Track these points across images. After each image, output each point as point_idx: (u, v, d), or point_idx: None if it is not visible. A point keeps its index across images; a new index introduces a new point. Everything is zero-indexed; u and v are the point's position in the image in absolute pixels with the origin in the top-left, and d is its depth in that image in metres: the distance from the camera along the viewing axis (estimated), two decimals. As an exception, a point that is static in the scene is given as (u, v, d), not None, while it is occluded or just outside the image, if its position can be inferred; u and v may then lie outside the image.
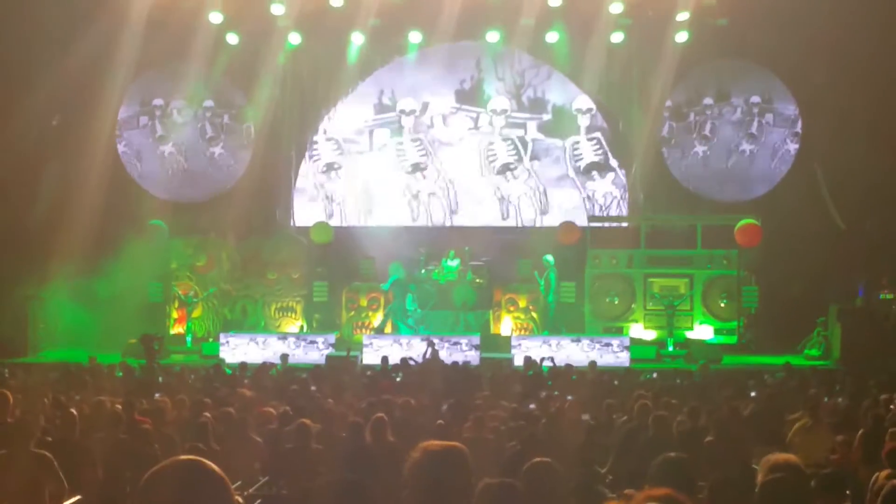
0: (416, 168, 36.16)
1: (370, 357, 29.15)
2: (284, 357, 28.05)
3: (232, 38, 34.11)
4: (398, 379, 23.78)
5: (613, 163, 35.77)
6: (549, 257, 32.48)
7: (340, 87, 35.77)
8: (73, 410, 14.53)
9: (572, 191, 35.81)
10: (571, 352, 29.29)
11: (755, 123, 34.89)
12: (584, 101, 35.62)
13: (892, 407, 17.04)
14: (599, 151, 35.81)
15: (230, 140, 36.36)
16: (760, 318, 32.40)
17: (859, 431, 14.90)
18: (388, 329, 32.52)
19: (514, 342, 30.66)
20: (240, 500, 3.65)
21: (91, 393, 19.26)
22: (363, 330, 32.45)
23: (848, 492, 10.78)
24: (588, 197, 35.69)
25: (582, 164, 35.84)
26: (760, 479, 7.09)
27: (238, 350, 30.27)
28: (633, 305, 32.67)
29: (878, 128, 31.13)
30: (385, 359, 27.03)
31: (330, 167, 36.46)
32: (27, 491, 9.99)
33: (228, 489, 3.66)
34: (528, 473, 7.51)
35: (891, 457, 12.08)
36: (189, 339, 32.93)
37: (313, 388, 20.88)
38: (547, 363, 26.49)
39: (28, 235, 32.00)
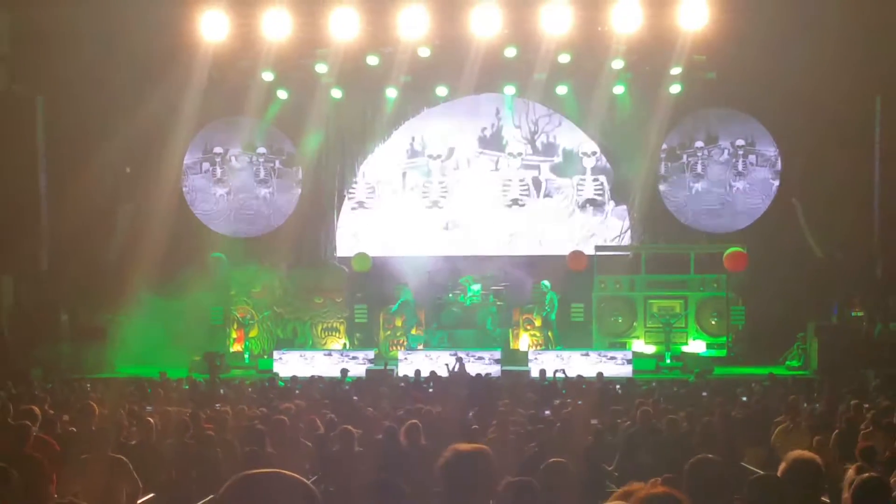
0: (438, 206, 36.15)
1: (405, 370, 29.12)
2: (344, 371, 28.00)
3: (282, 94, 34.21)
4: (430, 389, 23.74)
5: (611, 201, 35.71)
6: (546, 282, 32.52)
7: (377, 135, 35.82)
8: (150, 419, 14.57)
9: (580, 223, 35.74)
10: (581, 364, 29.21)
11: (741, 163, 34.82)
12: (589, 146, 35.63)
13: (865, 406, 16.97)
14: (600, 190, 35.78)
15: (281, 182, 36.43)
16: (747, 333, 32.32)
17: (834, 432, 14.85)
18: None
19: (530, 356, 30.65)
20: None
21: (161, 404, 19.29)
22: (398, 346, 32.46)
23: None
24: (594, 232, 35.61)
25: (582, 199, 35.81)
26: (782, 469, 7.07)
27: (289, 365, 30.24)
28: (634, 323, 32.66)
29: (847, 167, 31.04)
30: (418, 371, 27.00)
31: (361, 205, 36.47)
32: (106, 490, 10.01)
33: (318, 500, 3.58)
34: (545, 471, 7.49)
35: (864, 454, 12.03)
36: (247, 356, 32.99)
37: (355, 397, 20.88)
38: (560, 374, 26.47)
39: (106, 267, 32.15)
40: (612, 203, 35.82)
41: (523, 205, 36.04)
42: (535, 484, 6.66)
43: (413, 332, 33.07)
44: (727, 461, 11.86)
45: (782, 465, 7.31)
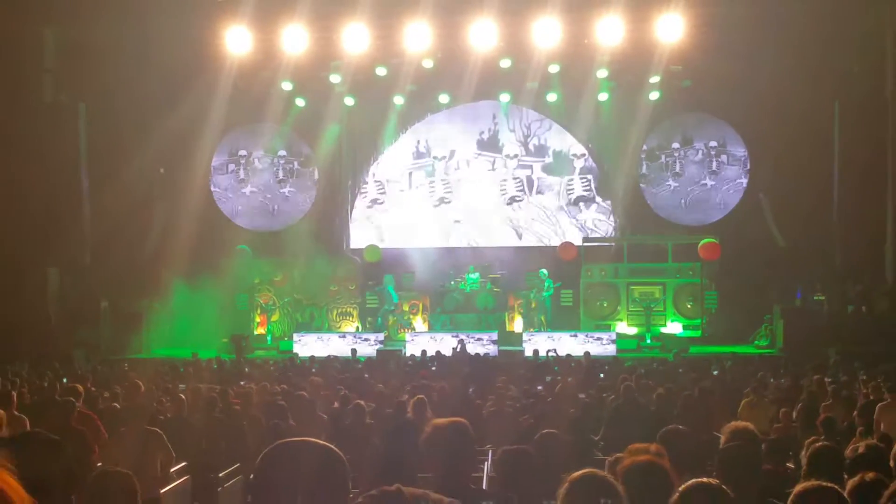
0: (445, 202, 36.16)
1: (412, 350, 29.14)
2: (354, 351, 28.15)
3: (300, 101, 34.16)
4: (433, 368, 23.74)
5: (598, 197, 35.71)
6: (544, 270, 32.53)
7: (385, 138, 35.81)
8: (182, 396, 14.56)
9: (568, 218, 35.76)
10: (570, 344, 29.22)
11: (713, 163, 34.82)
12: (577, 148, 35.62)
13: (827, 381, 16.97)
14: (588, 187, 35.79)
15: (299, 182, 36.43)
16: (719, 316, 32.31)
17: (798, 405, 14.84)
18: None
19: (525, 337, 30.65)
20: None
21: (192, 382, 19.30)
22: (406, 329, 32.47)
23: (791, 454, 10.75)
24: (582, 225, 35.62)
25: (573, 196, 35.81)
26: (722, 443, 7.05)
27: (308, 346, 30.25)
28: (618, 307, 32.66)
29: (808, 165, 31.07)
30: (424, 352, 27.04)
31: (375, 202, 36.49)
32: (142, 459, 10.00)
33: (346, 467, 3.58)
34: (538, 441, 7.48)
35: (825, 424, 12.03)
36: (269, 338, 33.00)
37: (367, 375, 20.88)
38: (552, 354, 26.49)
39: (142, 259, 32.17)
40: (598, 199, 35.79)
41: (519, 201, 36.03)
42: (530, 451, 6.65)
43: (391, 319, 33.18)
44: (703, 431, 11.86)
45: (723, 438, 7.30)
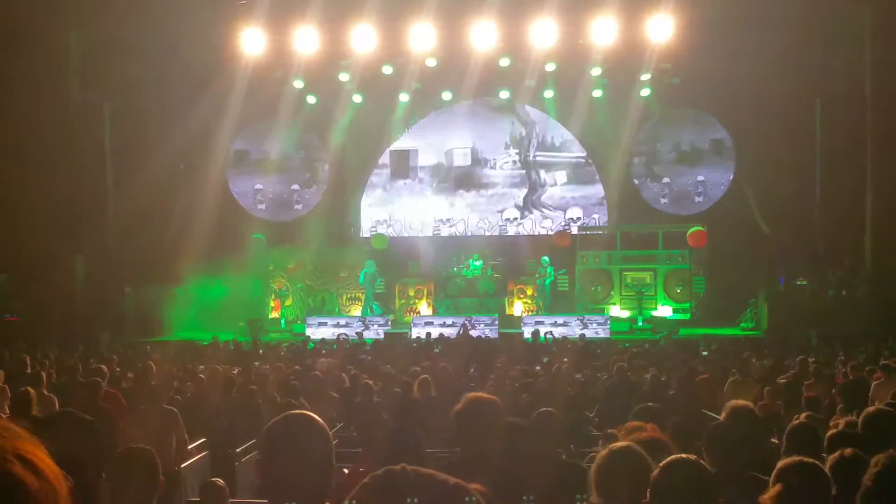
0: (451, 192, 36.18)
1: (417, 332, 29.18)
2: (360, 333, 28.29)
3: (311, 99, 34.16)
4: (436, 350, 23.77)
5: (594, 188, 35.70)
6: (546, 258, 32.55)
7: (392, 133, 35.84)
8: (202, 375, 14.57)
9: (566, 206, 35.75)
10: (566, 327, 29.27)
11: (701, 155, 34.81)
12: (573, 142, 35.61)
13: (810, 361, 17.00)
14: (583, 178, 35.78)
15: (310, 175, 36.45)
16: (707, 300, 32.41)
17: (782, 384, 14.85)
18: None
19: (524, 321, 30.70)
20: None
21: (211, 363, 19.32)
22: (412, 313, 32.51)
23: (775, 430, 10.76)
24: (575, 216, 35.63)
25: (570, 187, 35.81)
26: (722, 418, 7.06)
27: (319, 330, 30.35)
28: (611, 292, 32.73)
29: (792, 158, 31.05)
30: (428, 334, 27.06)
31: (381, 192, 36.48)
32: (159, 438, 10.02)
33: (328, 433, 3.69)
34: (536, 418, 7.48)
35: (808, 402, 12.04)
36: (283, 321, 33.06)
37: (370, 357, 20.91)
38: (549, 336, 26.53)
39: (164, 247, 32.18)
40: (592, 189, 35.76)
41: (518, 191, 36.00)
42: (522, 423, 6.66)
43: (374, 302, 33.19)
44: (692, 409, 11.87)
45: (723, 413, 7.31)
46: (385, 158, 36.40)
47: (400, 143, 36.25)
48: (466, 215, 36.14)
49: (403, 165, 36.40)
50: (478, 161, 36.11)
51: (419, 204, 36.24)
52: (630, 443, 4.72)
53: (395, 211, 36.32)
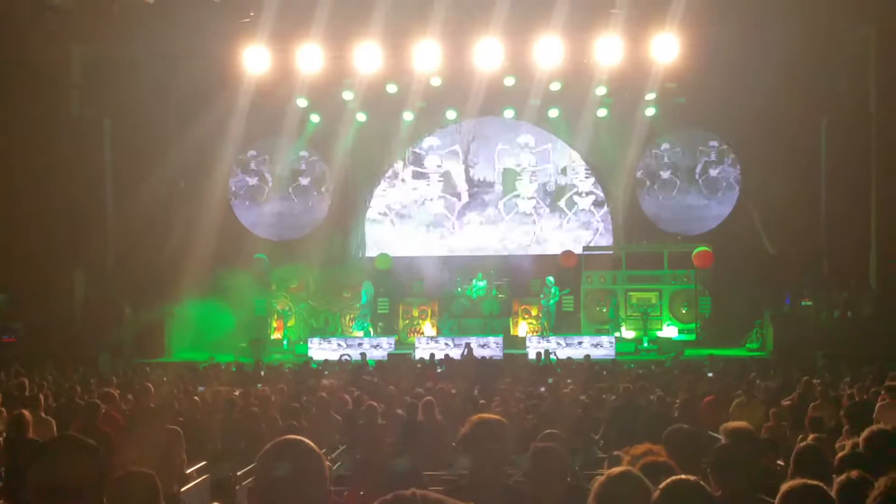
0: (456, 213, 36.19)
1: (420, 353, 29.15)
2: (363, 355, 28.27)
3: (314, 117, 34.20)
4: (440, 370, 23.76)
5: (600, 208, 35.72)
6: (551, 278, 32.53)
7: (395, 153, 35.86)
8: (197, 398, 14.55)
9: (571, 227, 35.77)
10: (571, 348, 29.25)
11: (707, 176, 34.83)
12: (578, 161, 35.64)
13: (815, 383, 16.95)
14: (589, 199, 35.79)
15: (314, 194, 36.42)
16: (713, 320, 32.32)
17: (787, 405, 14.83)
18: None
19: (528, 341, 30.67)
20: (329, 464, 3.68)
21: (212, 384, 19.30)
22: (416, 333, 32.43)
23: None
24: (580, 235, 35.66)
25: (576, 208, 35.82)
26: (722, 441, 7.04)
27: (322, 350, 30.31)
28: (617, 312, 32.66)
29: (797, 178, 31.08)
30: (432, 355, 27.05)
31: (384, 212, 36.48)
32: (164, 457, 9.99)
33: (321, 458, 3.68)
34: (541, 440, 7.46)
35: (812, 424, 12.03)
36: (285, 342, 32.98)
37: (375, 379, 20.88)
38: (552, 357, 26.52)
39: (164, 266, 32.17)
40: (598, 210, 35.78)
41: (524, 213, 36.00)
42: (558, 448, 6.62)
43: (368, 320, 33.16)
44: (699, 430, 11.84)
45: (722, 435, 7.28)
46: (388, 180, 36.40)
47: (404, 163, 36.23)
48: (476, 224, 36.10)
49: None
50: (482, 178, 36.12)
51: (425, 222, 36.21)
52: (629, 468, 4.70)
53: (399, 230, 36.29)
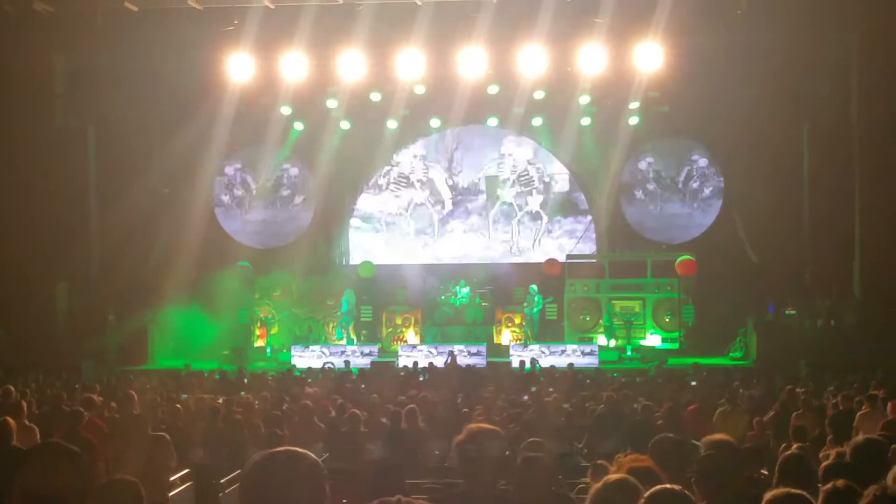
0: (439, 220, 36.18)
1: (404, 362, 29.14)
2: (347, 363, 28.28)
3: (298, 125, 34.18)
4: (422, 378, 23.75)
5: (583, 216, 35.76)
6: (534, 286, 32.56)
7: (379, 161, 35.82)
8: (180, 405, 14.51)
9: (554, 235, 35.79)
10: (554, 356, 29.26)
11: (689, 184, 34.90)
12: (562, 170, 35.67)
13: (799, 392, 17.01)
14: (571, 207, 35.83)
15: (297, 201, 36.36)
16: (696, 329, 32.31)
17: (770, 414, 14.86)
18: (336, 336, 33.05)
19: (511, 349, 30.67)
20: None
21: (195, 392, 19.26)
22: (399, 341, 32.38)
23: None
24: (563, 242, 35.68)
25: (560, 216, 35.85)
26: (702, 453, 7.04)
27: (305, 358, 30.26)
28: (600, 321, 32.63)
29: (780, 185, 31.20)
30: (416, 363, 27.04)
31: (366, 220, 36.45)
32: (149, 465, 9.96)
33: (318, 468, 3.64)
34: (525, 448, 7.46)
35: (796, 433, 12.06)
36: (269, 350, 32.85)
37: (362, 385, 20.87)
38: (538, 365, 26.53)
39: (148, 274, 32.14)
40: (582, 218, 35.83)
41: (508, 219, 36.01)
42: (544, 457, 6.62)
43: (350, 328, 33.12)
44: (685, 440, 11.86)
45: (703, 448, 7.28)
46: (370, 188, 36.40)
47: (388, 171, 36.22)
48: (460, 231, 36.13)
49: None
50: (464, 187, 36.15)
51: (408, 230, 36.21)
52: (625, 475, 4.72)
53: (382, 237, 36.28)
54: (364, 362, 29.71)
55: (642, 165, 35.18)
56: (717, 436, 7.47)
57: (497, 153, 35.97)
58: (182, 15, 28.85)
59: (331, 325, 33.46)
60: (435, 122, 34.67)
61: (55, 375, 24.30)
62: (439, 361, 27.90)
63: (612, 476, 4.67)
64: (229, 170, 36.06)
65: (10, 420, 10.12)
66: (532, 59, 29.00)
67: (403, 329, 32.98)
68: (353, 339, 32.67)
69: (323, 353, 30.75)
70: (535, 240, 35.83)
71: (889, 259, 29.32)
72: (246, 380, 24.04)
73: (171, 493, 10.38)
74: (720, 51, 29.55)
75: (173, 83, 31.29)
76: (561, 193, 35.89)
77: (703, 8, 27.86)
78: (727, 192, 34.25)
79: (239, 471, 11.50)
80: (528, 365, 26.56)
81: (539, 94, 32.04)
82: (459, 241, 36.01)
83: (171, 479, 10.88)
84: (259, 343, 33.22)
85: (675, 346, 31.79)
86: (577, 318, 32.76)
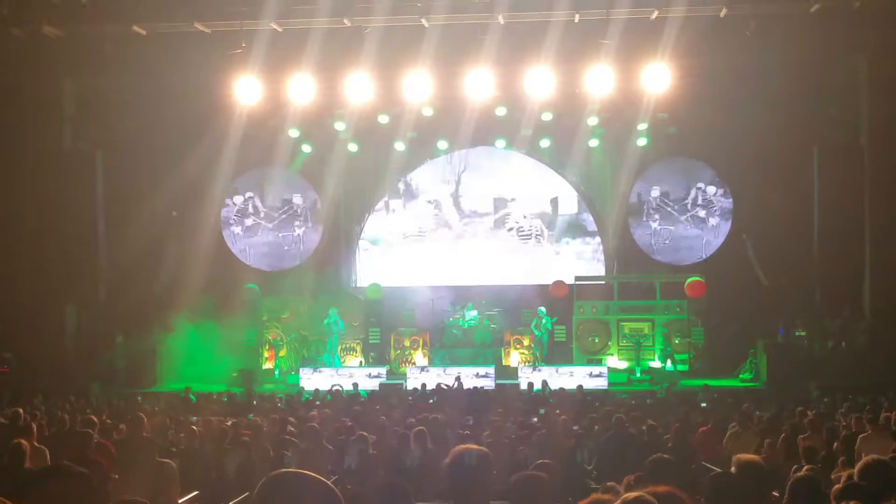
0: (446, 242, 36.20)
1: (413, 384, 29.11)
2: (355, 385, 28.26)
3: (306, 148, 34.28)
4: (432, 400, 23.71)
5: (592, 238, 35.76)
6: (542, 308, 32.52)
7: (387, 183, 35.88)
8: (194, 427, 14.51)
9: (562, 257, 35.79)
10: (563, 378, 29.20)
11: (699, 205, 34.89)
12: (570, 191, 35.68)
13: (808, 413, 16.96)
14: (579, 229, 35.84)
15: (305, 223, 36.41)
16: (706, 350, 32.23)
17: (781, 436, 14.82)
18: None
19: (520, 371, 30.61)
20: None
21: (204, 414, 19.25)
22: (407, 363, 32.35)
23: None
24: (572, 264, 35.65)
25: (568, 238, 35.86)
26: (733, 471, 7.04)
27: (313, 380, 30.22)
28: (609, 342, 32.60)
29: (789, 207, 31.18)
30: (424, 385, 27.01)
31: (375, 242, 36.49)
32: (156, 489, 9.96)
33: (330, 490, 3.63)
34: (533, 470, 7.44)
35: (806, 453, 12.02)
36: (277, 372, 32.86)
37: (370, 407, 20.83)
38: (548, 387, 26.49)
39: (156, 296, 32.21)
40: (590, 240, 35.83)
41: (516, 241, 36.02)
42: (543, 477, 6.60)
43: (339, 349, 33.08)
44: (692, 461, 11.83)
45: (733, 468, 7.28)
46: (379, 209, 36.43)
47: (395, 193, 36.27)
48: (466, 253, 36.15)
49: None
50: (474, 209, 36.19)
51: (415, 252, 36.24)
52: (642, 493, 4.71)
53: (390, 259, 36.28)
54: (373, 384, 29.69)
55: (651, 187, 35.14)
56: (748, 456, 7.47)
57: (505, 175, 35.99)
58: (190, 38, 28.95)
59: (339, 348, 33.37)
60: (443, 144, 34.76)
61: (64, 398, 24.31)
62: (448, 383, 27.87)
63: (630, 495, 4.66)
64: (237, 193, 36.12)
65: (24, 442, 10.14)
66: (540, 81, 28.99)
67: (412, 351, 32.95)
68: (340, 361, 32.62)
69: (332, 375, 30.73)
70: (543, 261, 35.80)
71: (899, 280, 29.33)
72: (255, 402, 24.03)
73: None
74: (729, 72, 29.59)
75: (181, 106, 31.39)
76: (569, 215, 35.93)
77: (711, 29, 27.87)
78: (736, 214, 34.26)
79: (247, 493, 11.51)
80: (537, 386, 26.52)
81: (547, 116, 32.10)
82: (467, 263, 36.00)
83: (180, 501, 10.87)
84: (267, 365, 33.23)
85: (685, 367, 31.73)
86: (585, 340, 32.73)
